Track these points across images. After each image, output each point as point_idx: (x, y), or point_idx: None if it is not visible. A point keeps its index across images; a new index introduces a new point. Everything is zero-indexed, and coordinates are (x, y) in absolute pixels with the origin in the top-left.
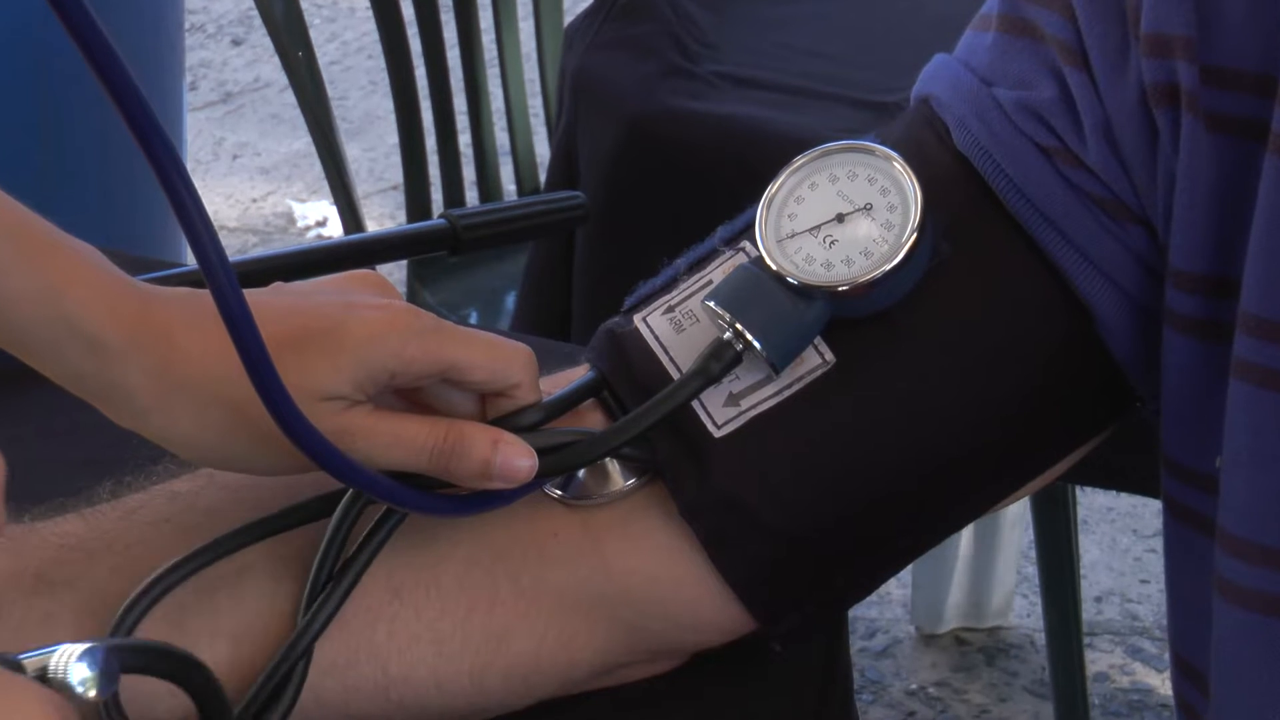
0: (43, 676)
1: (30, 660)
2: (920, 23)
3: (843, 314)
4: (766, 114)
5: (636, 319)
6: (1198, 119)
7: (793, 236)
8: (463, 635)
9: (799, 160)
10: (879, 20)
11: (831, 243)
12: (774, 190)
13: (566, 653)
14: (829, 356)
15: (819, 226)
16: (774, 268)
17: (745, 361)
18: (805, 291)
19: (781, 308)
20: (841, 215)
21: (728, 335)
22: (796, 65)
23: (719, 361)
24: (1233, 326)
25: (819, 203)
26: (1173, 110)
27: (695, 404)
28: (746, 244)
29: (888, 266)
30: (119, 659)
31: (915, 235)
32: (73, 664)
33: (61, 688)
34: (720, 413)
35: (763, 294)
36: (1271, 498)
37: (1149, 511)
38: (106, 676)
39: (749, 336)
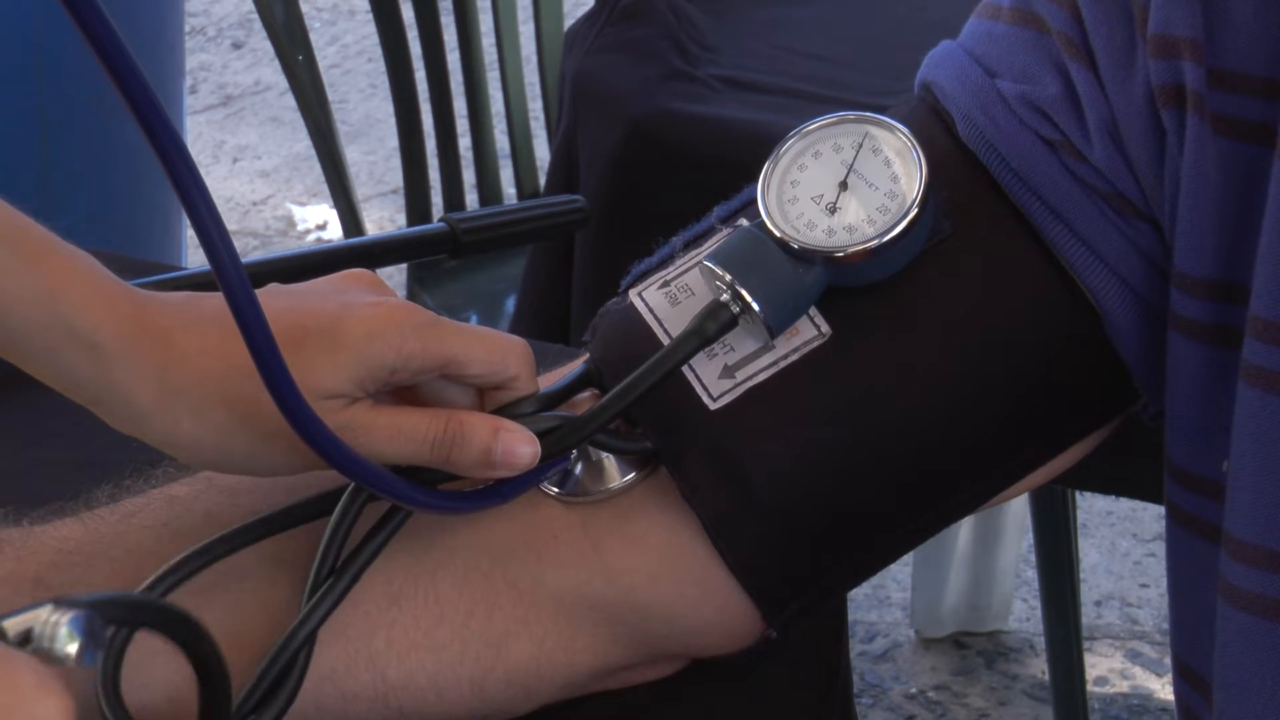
0: (25, 639)
1: (11, 622)
2: (921, 26)
3: (840, 283)
4: (767, 117)
5: (632, 294)
6: (1204, 121)
7: (794, 202)
8: (461, 641)
9: (804, 128)
10: (879, 24)
11: (833, 210)
12: (778, 156)
13: (567, 657)
14: (825, 328)
15: (821, 193)
16: (777, 234)
17: (741, 327)
18: (805, 256)
19: (781, 271)
20: (844, 184)
21: (725, 297)
22: (797, 69)
23: (715, 322)
24: (1238, 332)
25: (822, 171)
26: (1179, 111)
27: (691, 377)
28: (743, 221)
29: (888, 235)
30: (106, 614)
31: (917, 208)
32: (60, 629)
33: (48, 655)
34: (716, 385)
35: (763, 257)
36: (1278, 503)
37: (1149, 515)
38: (93, 638)
39: (747, 297)
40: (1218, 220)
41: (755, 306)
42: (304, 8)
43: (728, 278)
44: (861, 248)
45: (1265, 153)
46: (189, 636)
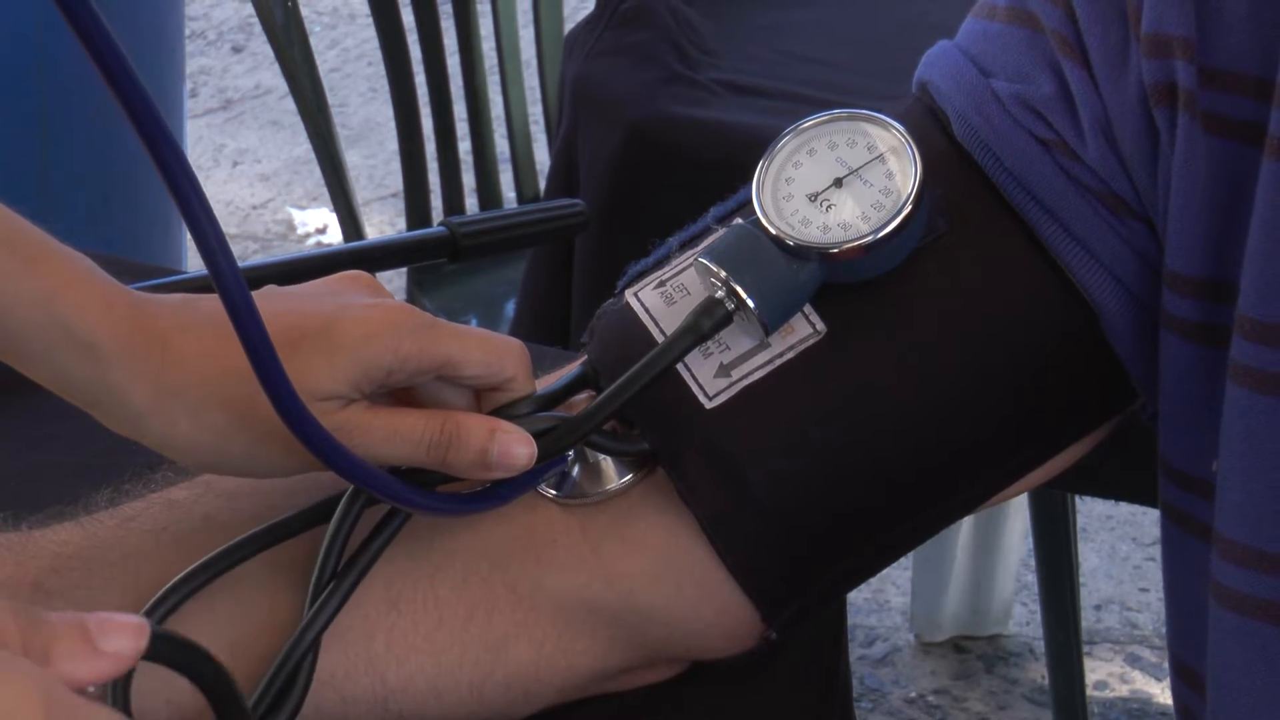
0: None
1: None
2: (922, 29)
3: (835, 279)
4: (767, 121)
5: (628, 294)
6: (1195, 119)
7: (789, 199)
8: (461, 645)
9: (799, 125)
10: (879, 28)
11: (828, 207)
12: (773, 154)
13: (566, 660)
14: (820, 326)
15: (816, 190)
16: (772, 230)
17: (736, 325)
18: (800, 253)
19: (776, 267)
20: (839, 180)
21: (720, 294)
22: (797, 73)
23: (710, 319)
24: (1227, 331)
25: (817, 168)
26: (1171, 110)
27: (687, 376)
28: (739, 221)
29: (883, 232)
30: None
31: (912, 205)
32: None
33: None
34: (712, 384)
35: (758, 253)
36: (1266, 503)
37: (1148, 520)
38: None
39: (742, 294)
40: (1207, 219)
41: (750, 303)
42: (304, 11)
43: (723, 274)
44: (856, 244)
45: (1254, 152)
46: (195, 664)
